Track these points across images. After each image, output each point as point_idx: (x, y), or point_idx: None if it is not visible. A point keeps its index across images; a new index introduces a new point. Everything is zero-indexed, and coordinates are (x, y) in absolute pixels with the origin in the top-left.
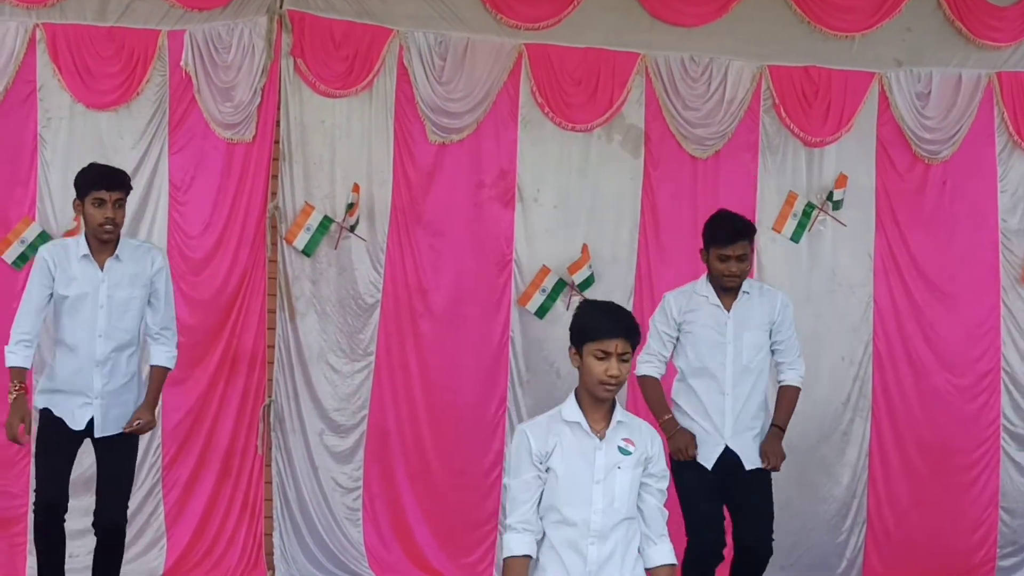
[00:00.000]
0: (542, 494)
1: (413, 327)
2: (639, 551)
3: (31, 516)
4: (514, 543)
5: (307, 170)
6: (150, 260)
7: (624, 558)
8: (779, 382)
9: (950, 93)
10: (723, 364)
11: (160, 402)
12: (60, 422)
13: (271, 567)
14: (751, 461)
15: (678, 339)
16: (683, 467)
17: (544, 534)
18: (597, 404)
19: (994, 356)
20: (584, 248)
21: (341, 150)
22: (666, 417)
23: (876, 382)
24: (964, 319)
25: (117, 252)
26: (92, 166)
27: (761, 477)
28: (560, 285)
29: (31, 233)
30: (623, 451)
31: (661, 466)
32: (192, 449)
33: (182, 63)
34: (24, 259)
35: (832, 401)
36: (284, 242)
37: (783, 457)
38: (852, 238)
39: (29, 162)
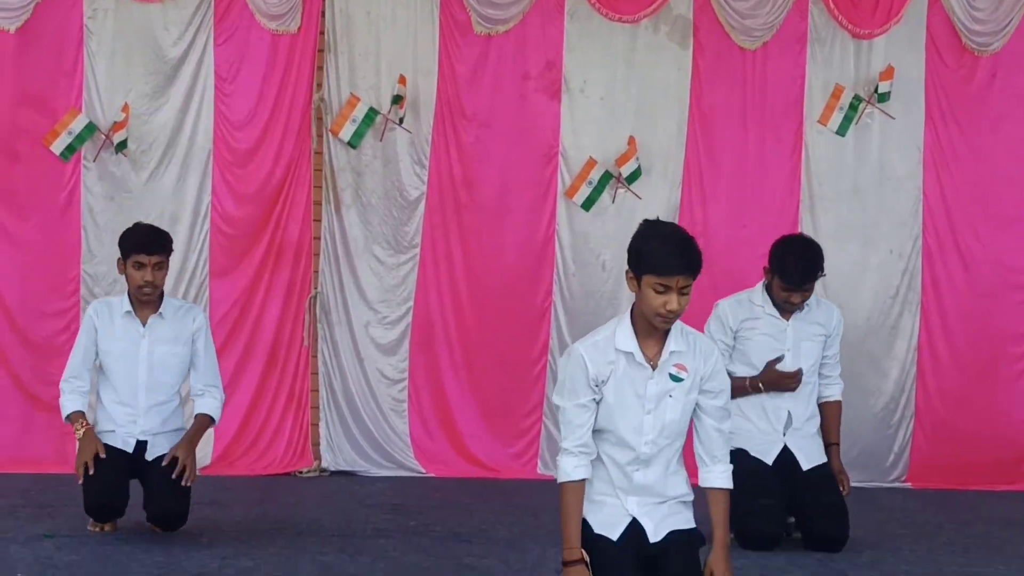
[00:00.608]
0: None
1: (458, 219)
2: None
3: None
4: (570, 467)
5: (352, 61)
6: (191, 318)
7: (667, 470)
8: (822, 398)
9: None
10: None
11: (207, 297)
12: (108, 445)
13: (317, 457)
14: (809, 460)
15: (733, 347)
16: (741, 460)
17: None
18: (654, 328)
19: None
20: (631, 140)
21: (386, 41)
22: (749, 382)
23: (925, 275)
24: (1012, 211)
25: (160, 310)
26: (136, 228)
27: (824, 473)
28: (607, 177)
29: (78, 124)
30: (675, 378)
31: (718, 382)
32: (238, 340)
33: None
34: (71, 150)
35: (881, 295)
36: (329, 134)
37: (844, 473)
38: (900, 131)
39: (75, 54)
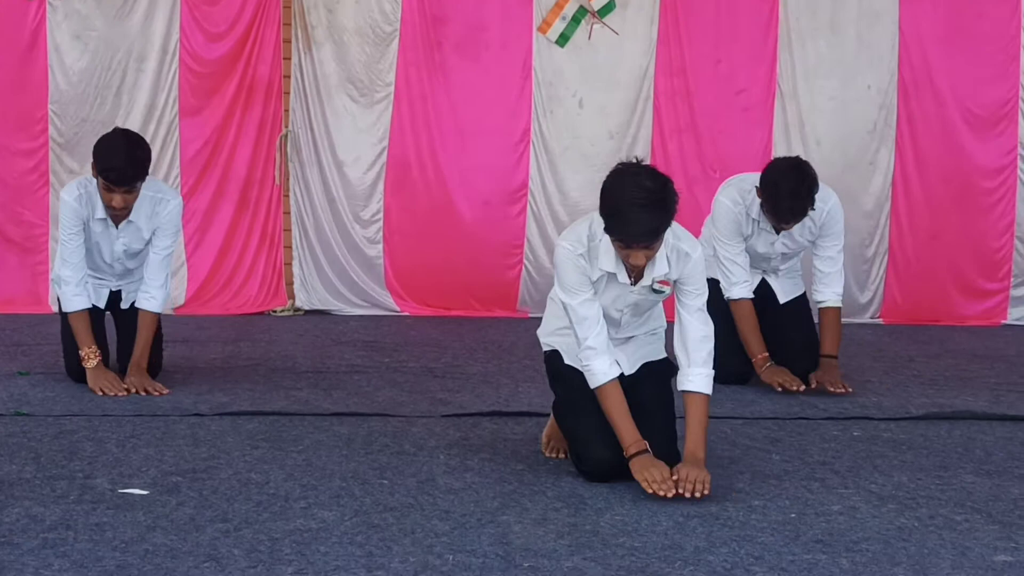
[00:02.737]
0: None
1: (431, 57)
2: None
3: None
4: (604, 366)
5: None
6: (163, 208)
7: (642, 335)
8: (816, 302)
9: None
10: (767, 267)
11: (177, 136)
12: None
13: (291, 296)
14: (786, 293)
15: None
16: (719, 294)
17: None
18: None
19: (1013, 85)
20: None
21: None
22: (761, 356)
23: (901, 111)
24: (987, 47)
25: (130, 217)
26: (112, 148)
27: (799, 306)
28: (581, 12)
29: None
30: (657, 292)
31: (694, 285)
32: (210, 179)
33: None
34: None
35: (858, 130)
36: None
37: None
38: None
39: None
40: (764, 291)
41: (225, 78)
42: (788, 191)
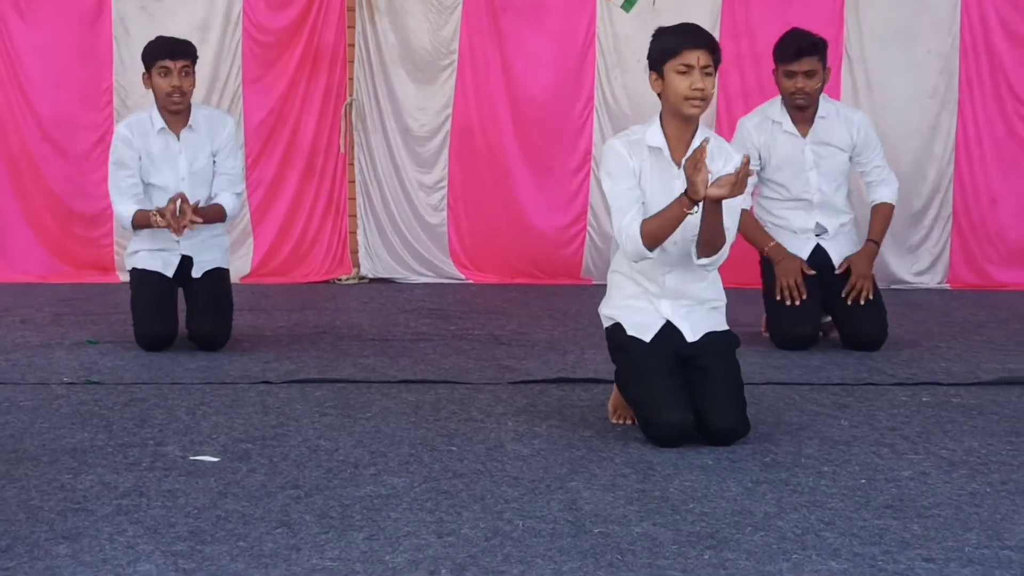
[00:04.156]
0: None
1: (495, 24)
2: None
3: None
4: (635, 227)
5: None
6: (222, 125)
7: (696, 273)
8: (872, 201)
9: None
10: (807, 191)
11: (241, 106)
12: (152, 272)
13: (356, 265)
14: (841, 255)
15: (761, 167)
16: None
17: None
18: (682, 128)
19: None
20: None
21: None
22: (771, 245)
23: (962, 75)
24: None
25: (190, 122)
26: (157, 38)
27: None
28: None
29: None
30: None
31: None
32: (275, 148)
33: None
34: None
35: (919, 94)
36: None
37: (868, 279)
38: None
39: None
40: (821, 257)
41: (288, 47)
42: (795, 32)
